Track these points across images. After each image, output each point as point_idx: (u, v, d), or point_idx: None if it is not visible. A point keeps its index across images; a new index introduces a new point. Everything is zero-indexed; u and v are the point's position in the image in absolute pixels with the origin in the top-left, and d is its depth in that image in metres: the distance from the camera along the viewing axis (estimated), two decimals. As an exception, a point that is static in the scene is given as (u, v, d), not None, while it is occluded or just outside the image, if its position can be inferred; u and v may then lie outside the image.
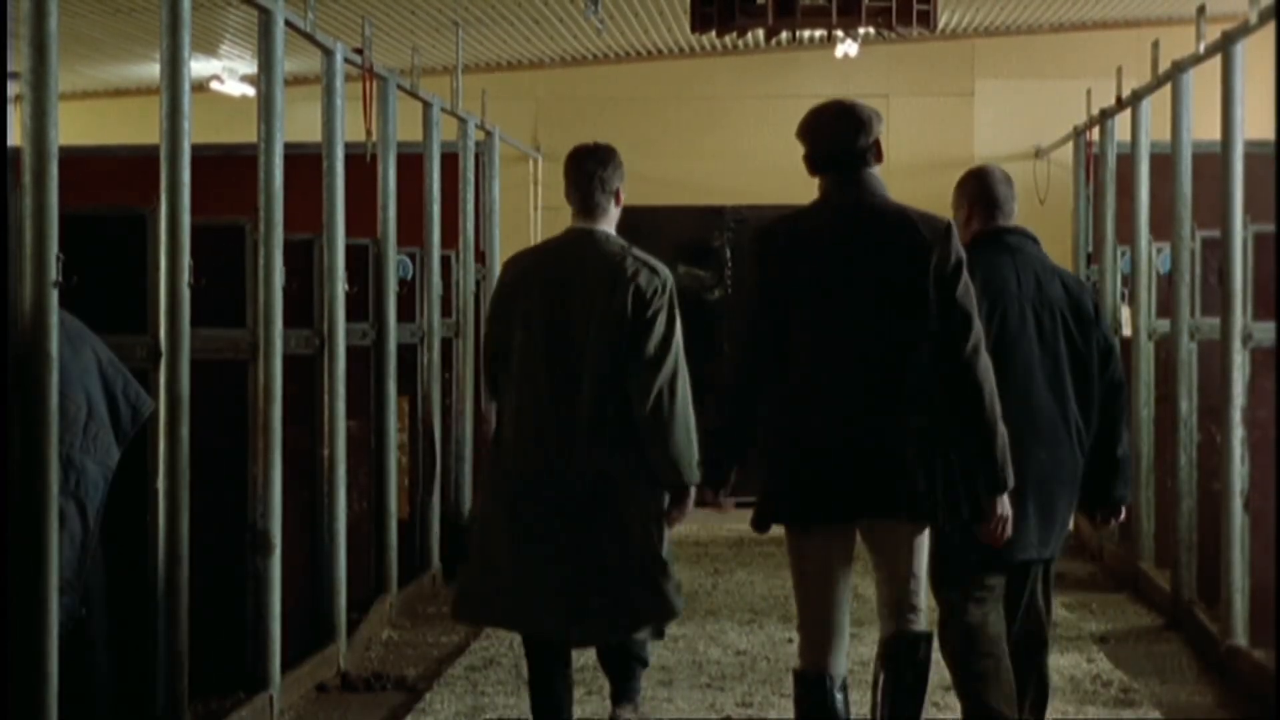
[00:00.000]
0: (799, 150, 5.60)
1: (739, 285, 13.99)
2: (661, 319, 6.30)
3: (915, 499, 5.33)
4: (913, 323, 5.32)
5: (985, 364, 5.39)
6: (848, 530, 5.44)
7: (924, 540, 5.49)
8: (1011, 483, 5.49)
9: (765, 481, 5.47)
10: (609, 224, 6.50)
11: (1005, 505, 5.50)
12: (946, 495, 5.37)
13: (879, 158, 5.48)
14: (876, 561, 5.49)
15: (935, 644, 5.64)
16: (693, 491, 6.23)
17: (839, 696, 5.38)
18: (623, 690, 6.76)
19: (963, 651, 5.99)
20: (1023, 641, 6.20)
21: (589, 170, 6.47)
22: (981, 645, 5.96)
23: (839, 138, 5.43)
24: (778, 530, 5.52)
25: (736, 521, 12.94)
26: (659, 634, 6.57)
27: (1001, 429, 5.41)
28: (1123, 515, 6.36)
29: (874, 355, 5.33)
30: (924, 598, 5.52)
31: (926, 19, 9.13)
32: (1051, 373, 6.06)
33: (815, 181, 5.57)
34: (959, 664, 6.01)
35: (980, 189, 6.23)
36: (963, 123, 15.03)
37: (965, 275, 5.37)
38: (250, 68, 14.02)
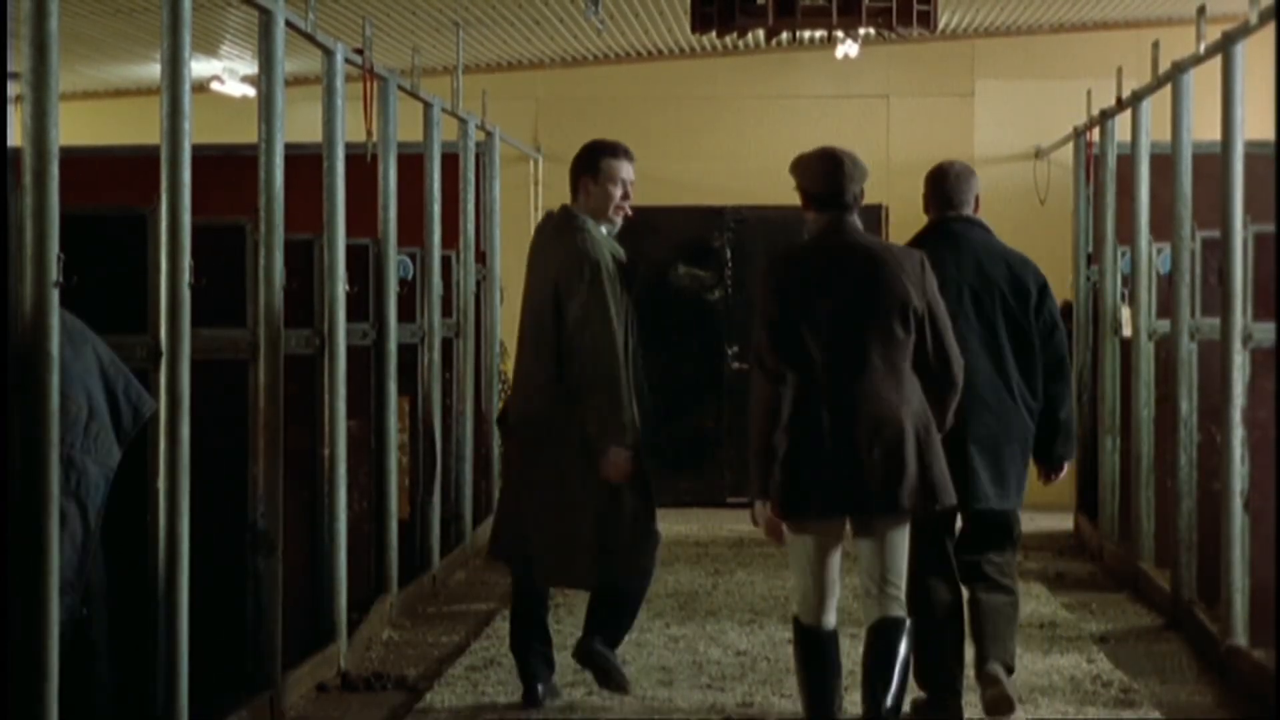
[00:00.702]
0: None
1: (753, 312, 14.08)
2: (577, 289, 7.03)
3: (910, 492, 6.05)
4: (902, 326, 6.10)
5: (954, 342, 6.22)
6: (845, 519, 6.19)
7: (906, 526, 6.21)
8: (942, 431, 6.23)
9: (778, 474, 6.06)
10: (579, 206, 7.25)
11: None
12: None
13: (861, 200, 6.30)
14: (864, 545, 6.20)
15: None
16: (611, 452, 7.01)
17: (831, 645, 6.23)
18: (598, 621, 7.27)
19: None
20: (980, 589, 6.91)
21: None
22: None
23: (841, 185, 6.21)
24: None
25: (736, 522, 12.97)
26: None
27: (957, 398, 6.22)
28: (1064, 471, 7.07)
29: (874, 356, 6.06)
30: (904, 578, 6.23)
31: (926, 19, 9.14)
32: (990, 344, 6.75)
33: None
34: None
35: (932, 188, 7.03)
36: (963, 123, 14.99)
37: (935, 284, 6.22)
38: (250, 68, 14.02)
